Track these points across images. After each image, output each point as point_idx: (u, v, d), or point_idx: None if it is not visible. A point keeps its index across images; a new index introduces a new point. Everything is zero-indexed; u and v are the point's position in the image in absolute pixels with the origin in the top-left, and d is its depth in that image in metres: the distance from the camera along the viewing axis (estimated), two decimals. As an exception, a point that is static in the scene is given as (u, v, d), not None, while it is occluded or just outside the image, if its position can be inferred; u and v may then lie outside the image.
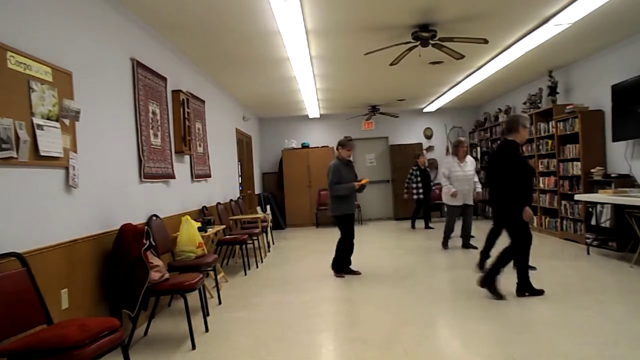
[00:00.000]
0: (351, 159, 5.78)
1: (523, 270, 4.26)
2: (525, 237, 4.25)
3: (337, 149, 5.71)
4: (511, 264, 4.35)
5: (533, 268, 4.80)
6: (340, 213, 5.62)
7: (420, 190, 9.46)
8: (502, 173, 4.31)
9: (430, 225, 9.57)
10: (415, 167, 9.64)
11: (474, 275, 5.23)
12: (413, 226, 9.71)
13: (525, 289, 4.25)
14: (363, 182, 5.63)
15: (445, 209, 6.96)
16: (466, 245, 6.83)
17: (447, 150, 11.86)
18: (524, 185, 4.26)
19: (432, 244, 7.45)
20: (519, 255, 4.27)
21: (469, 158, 6.82)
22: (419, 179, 9.48)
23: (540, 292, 4.24)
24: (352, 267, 5.70)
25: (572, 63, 7.32)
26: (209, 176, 6.56)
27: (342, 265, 5.64)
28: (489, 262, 4.56)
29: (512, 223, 4.26)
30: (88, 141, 3.39)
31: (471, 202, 6.83)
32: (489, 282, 4.28)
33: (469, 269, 5.55)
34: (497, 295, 4.21)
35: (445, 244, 7.00)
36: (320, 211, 11.14)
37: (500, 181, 4.34)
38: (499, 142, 4.72)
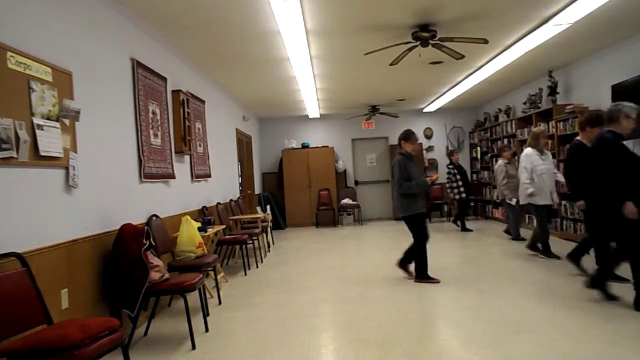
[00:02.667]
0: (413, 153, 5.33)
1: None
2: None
3: (400, 143, 5.21)
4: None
5: (624, 279, 4.32)
6: (413, 212, 5.07)
7: (462, 189, 8.82)
8: (602, 168, 3.82)
9: (468, 227, 8.91)
10: (451, 165, 9.08)
11: (475, 275, 5.24)
12: (464, 228, 8.82)
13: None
14: (435, 177, 5.37)
15: (533, 210, 6.03)
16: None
17: (447, 150, 11.87)
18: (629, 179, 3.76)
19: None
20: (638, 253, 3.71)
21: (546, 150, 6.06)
22: (457, 177, 8.91)
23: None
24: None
25: (572, 63, 7.32)
26: (209, 176, 6.56)
27: (425, 270, 5.09)
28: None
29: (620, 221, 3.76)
30: (88, 141, 3.39)
31: (557, 200, 6.07)
32: (600, 282, 3.98)
33: (471, 269, 5.56)
34: (609, 297, 3.95)
35: (549, 252, 5.88)
36: (320, 211, 11.15)
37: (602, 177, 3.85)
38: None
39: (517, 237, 7.37)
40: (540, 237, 5.92)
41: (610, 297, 3.97)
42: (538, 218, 5.96)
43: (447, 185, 9.16)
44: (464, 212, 9.07)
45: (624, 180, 3.72)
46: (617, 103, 4.02)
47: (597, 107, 6.69)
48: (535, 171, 5.83)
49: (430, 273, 5.07)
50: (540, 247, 5.97)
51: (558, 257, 5.73)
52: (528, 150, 6.01)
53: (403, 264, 5.35)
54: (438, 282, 4.98)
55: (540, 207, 5.87)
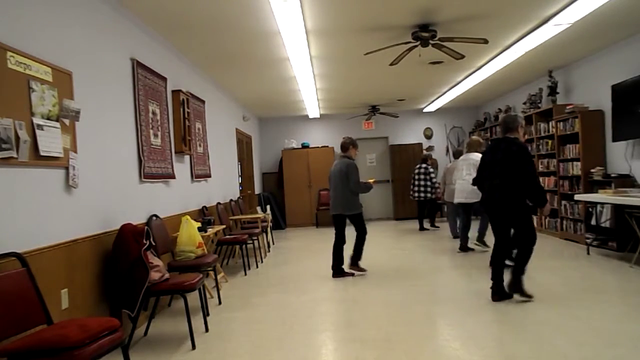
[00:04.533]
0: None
1: (521, 270, 4.14)
2: (533, 235, 4.14)
3: (349, 148, 5.66)
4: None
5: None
6: (360, 210, 5.68)
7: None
8: (516, 170, 4.08)
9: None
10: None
11: (474, 276, 5.23)
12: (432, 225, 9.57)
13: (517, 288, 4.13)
14: (372, 180, 5.94)
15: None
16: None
17: (447, 150, 11.88)
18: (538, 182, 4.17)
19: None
20: (526, 253, 4.13)
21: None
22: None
23: (528, 296, 4.13)
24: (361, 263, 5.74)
25: (572, 63, 7.32)
26: (209, 176, 6.56)
27: (359, 259, 5.73)
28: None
29: (523, 221, 4.14)
30: (88, 141, 3.39)
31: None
32: (517, 286, 4.13)
33: (470, 269, 5.56)
34: (527, 296, 4.10)
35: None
36: (320, 211, 11.14)
37: (514, 178, 4.10)
38: (497, 140, 4.48)
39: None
40: (485, 229, 6.62)
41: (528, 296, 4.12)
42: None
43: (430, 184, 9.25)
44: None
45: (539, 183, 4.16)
46: (513, 114, 4.47)
47: (597, 107, 6.70)
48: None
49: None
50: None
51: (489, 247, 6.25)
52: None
53: (355, 264, 5.72)
54: (365, 272, 5.65)
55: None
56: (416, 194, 9.22)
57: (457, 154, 8.30)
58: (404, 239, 8.48)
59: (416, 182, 9.25)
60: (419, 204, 9.35)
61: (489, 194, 4.34)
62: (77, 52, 3.34)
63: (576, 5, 4.58)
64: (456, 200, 6.85)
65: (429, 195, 9.15)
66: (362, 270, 5.67)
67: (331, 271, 5.61)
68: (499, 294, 4.15)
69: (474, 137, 7.15)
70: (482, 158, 4.57)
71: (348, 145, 5.69)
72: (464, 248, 6.72)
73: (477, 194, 5.61)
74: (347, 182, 5.49)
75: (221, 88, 7.77)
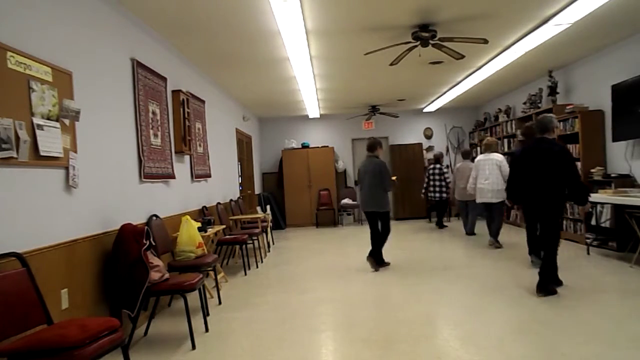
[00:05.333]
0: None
1: (553, 265, 4.43)
2: (559, 235, 4.48)
3: (377, 148, 5.95)
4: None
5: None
6: (389, 209, 5.97)
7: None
8: (559, 170, 4.31)
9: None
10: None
11: (475, 276, 5.24)
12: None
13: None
14: (394, 178, 6.33)
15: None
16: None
17: (447, 150, 11.88)
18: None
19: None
20: (554, 249, 4.43)
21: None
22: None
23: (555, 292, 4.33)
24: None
25: (572, 63, 7.32)
26: (209, 176, 6.56)
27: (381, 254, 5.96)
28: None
29: (555, 220, 4.44)
30: (88, 141, 3.39)
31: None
32: (548, 285, 4.34)
33: (468, 268, 5.56)
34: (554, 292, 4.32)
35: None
36: (320, 211, 11.15)
37: (557, 178, 4.33)
38: (536, 140, 4.58)
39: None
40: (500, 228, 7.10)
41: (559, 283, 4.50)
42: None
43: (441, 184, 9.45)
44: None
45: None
46: (548, 115, 4.64)
47: (597, 107, 6.70)
48: None
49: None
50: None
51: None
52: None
53: (380, 262, 5.92)
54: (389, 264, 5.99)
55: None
56: (435, 194, 9.44)
57: (465, 155, 8.62)
58: (405, 238, 8.47)
59: (431, 183, 9.48)
60: (438, 204, 9.59)
61: (531, 193, 4.51)
62: (77, 52, 3.34)
63: (576, 5, 4.58)
64: (480, 200, 7.00)
65: (444, 195, 9.34)
66: (387, 264, 5.98)
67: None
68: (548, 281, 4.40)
69: (492, 138, 7.27)
70: (517, 158, 4.81)
71: (376, 145, 5.96)
72: (497, 242, 6.95)
73: (503, 194, 6.47)
74: (381, 181, 5.75)
75: (221, 88, 7.77)
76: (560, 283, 4.53)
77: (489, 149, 7.04)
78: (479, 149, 11.14)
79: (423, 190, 9.87)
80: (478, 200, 7.08)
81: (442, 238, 8.29)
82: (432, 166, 9.59)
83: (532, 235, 5.38)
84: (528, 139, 5.76)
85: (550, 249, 4.41)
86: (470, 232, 8.27)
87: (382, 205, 5.83)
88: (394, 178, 6.21)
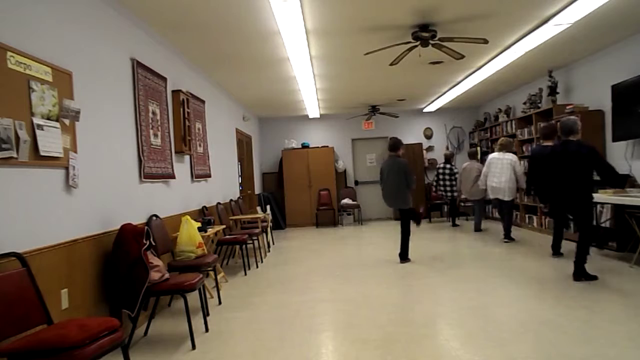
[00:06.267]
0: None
1: (583, 258, 4.70)
2: (592, 227, 4.88)
3: (399, 147, 6.17)
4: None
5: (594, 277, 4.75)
6: (412, 205, 6.21)
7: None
8: (588, 169, 4.64)
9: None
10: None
11: (474, 276, 5.23)
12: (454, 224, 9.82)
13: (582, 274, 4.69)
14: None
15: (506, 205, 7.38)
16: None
17: (447, 149, 11.87)
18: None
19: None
20: (587, 242, 4.74)
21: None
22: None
23: (594, 277, 4.67)
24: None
25: (572, 63, 7.32)
26: (209, 176, 6.56)
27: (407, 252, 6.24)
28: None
29: (588, 214, 4.80)
30: (88, 141, 3.39)
31: None
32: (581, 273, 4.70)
33: (468, 268, 5.56)
34: (592, 278, 4.67)
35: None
36: (320, 211, 11.15)
37: (586, 176, 4.66)
38: (563, 142, 4.86)
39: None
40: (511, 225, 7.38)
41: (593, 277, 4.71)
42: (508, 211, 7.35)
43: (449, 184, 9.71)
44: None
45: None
46: (572, 118, 4.94)
47: (597, 107, 6.70)
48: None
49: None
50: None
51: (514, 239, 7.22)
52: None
53: (405, 259, 6.20)
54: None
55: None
56: (448, 193, 9.70)
57: (472, 155, 8.86)
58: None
59: (441, 182, 9.73)
60: (451, 202, 9.85)
61: (561, 194, 4.85)
62: (77, 52, 3.34)
63: (576, 5, 4.58)
64: (494, 196, 7.38)
65: (455, 193, 9.57)
66: (408, 260, 6.19)
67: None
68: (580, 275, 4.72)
69: (506, 138, 7.55)
70: (542, 159, 5.28)
71: (399, 145, 6.20)
72: (509, 237, 7.26)
73: (514, 192, 7.11)
74: (405, 179, 6.04)
75: (221, 88, 7.77)
76: (591, 277, 4.72)
77: (504, 148, 7.35)
78: (478, 149, 11.14)
79: (434, 189, 10.26)
80: (492, 197, 7.44)
81: (452, 236, 8.29)
82: (442, 166, 9.82)
83: (558, 233, 5.83)
84: (547, 139, 5.89)
85: (584, 241, 4.72)
86: (477, 228, 8.59)
87: (407, 202, 6.12)
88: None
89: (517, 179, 7.08)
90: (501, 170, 7.15)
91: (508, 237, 7.24)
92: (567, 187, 4.77)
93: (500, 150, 7.39)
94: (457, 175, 9.39)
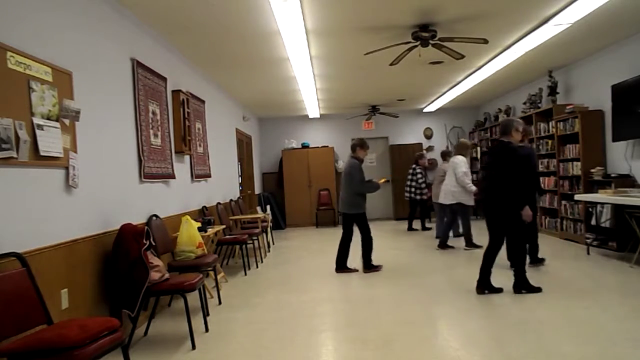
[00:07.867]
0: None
1: (520, 268, 4.39)
2: (522, 236, 4.44)
3: (356, 149, 5.84)
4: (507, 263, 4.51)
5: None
6: (363, 210, 5.81)
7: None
8: (503, 172, 4.31)
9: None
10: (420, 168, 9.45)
11: (475, 275, 5.24)
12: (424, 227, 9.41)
13: (523, 286, 4.38)
14: (383, 180, 6.20)
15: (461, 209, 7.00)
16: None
17: (447, 149, 11.85)
18: (526, 185, 4.33)
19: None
20: (517, 253, 4.44)
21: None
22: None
23: (537, 290, 4.36)
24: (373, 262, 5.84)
25: (572, 63, 7.32)
26: (209, 176, 6.56)
27: (370, 260, 5.78)
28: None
29: (510, 222, 4.35)
30: (88, 141, 3.39)
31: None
32: (485, 284, 4.46)
33: (468, 268, 5.56)
34: (535, 290, 4.37)
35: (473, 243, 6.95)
36: (320, 211, 11.14)
37: (501, 179, 4.33)
38: (498, 142, 4.57)
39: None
40: (468, 231, 6.92)
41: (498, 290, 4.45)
42: (467, 216, 6.94)
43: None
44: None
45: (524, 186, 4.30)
46: (509, 118, 4.84)
47: (597, 107, 6.70)
48: (468, 175, 6.81)
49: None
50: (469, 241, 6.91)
51: (480, 246, 6.49)
52: (462, 158, 6.92)
53: (342, 267, 5.83)
54: (381, 268, 5.74)
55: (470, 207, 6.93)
56: (406, 194, 9.44)
57: (444, 155, 8.25)
58: (404, 238, 8.46)
59: (407, 183, 9.45)
60: (410, 204, 9.47)
61: (485, 195, 4.57)
62: (77, 52, 3.34)
63: (576, 5, 4.58)
64: (439, 200, 7.24)
65: (412, 195, 9.21)
66: (377, 268, 5.75)
67: (333, 268, 5.70)
68: (482, 286, 4.46)
69: (462, 140, 7.37)
70: (487, 160, 4.83)
71: (355, 146, 5.89)
72: (444, 245, 7.01)
73: (453, 196, 6.77)
74: (350, 181, 5.72)
75: (221, 88, 7.77)
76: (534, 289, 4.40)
77: (457, 150, 7.17)
78: (478, 149, 11.15)
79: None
80: (438, 201, 7.37)
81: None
82: (412, 166, 9.46)
83: (491, 244, 5.01)
84: (503, 135, 5.15)
85: (512, 252, 4.58)
86: (438, 235, 7.83)
87: (350, 207, 5.73)
88: (383, 180, 6.20)
89: (457, 181, 6.72)
90: (449, 173, 6.96)
91: (469, 243, 6.83)
92: (489, 191, 4.44)
93: (455, 153, 7.16)
94: (418, 176, 9.11)
